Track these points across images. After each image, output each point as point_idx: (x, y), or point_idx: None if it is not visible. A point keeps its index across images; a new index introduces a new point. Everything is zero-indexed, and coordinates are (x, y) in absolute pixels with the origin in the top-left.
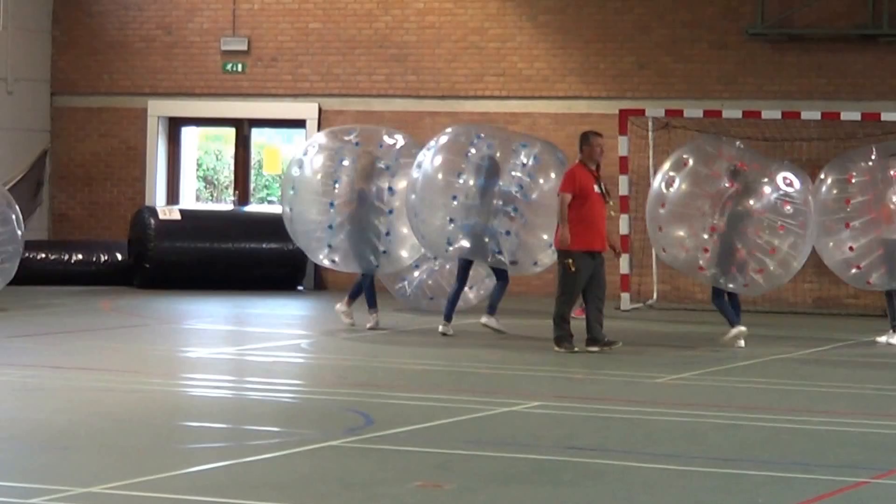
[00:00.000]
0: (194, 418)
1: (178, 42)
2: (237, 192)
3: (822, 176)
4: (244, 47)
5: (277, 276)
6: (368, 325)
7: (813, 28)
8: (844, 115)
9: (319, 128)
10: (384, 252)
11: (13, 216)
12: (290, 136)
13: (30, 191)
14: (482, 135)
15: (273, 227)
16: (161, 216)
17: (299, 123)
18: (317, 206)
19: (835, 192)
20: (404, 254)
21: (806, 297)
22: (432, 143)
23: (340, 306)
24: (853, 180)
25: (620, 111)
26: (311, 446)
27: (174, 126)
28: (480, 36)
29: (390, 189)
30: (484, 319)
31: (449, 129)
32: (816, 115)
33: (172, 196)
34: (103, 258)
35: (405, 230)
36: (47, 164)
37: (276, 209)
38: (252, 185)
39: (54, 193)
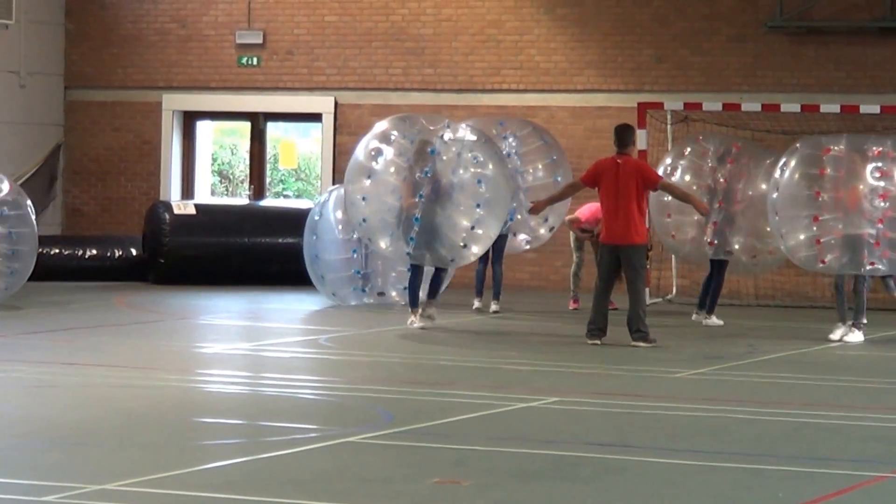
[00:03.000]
0: (210, 414)
1: (193, 35)
2: (252, 186)
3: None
4: (259, 40)
5: (293, 271)
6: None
7: (831, 21)
8: (863, 108)
9: (335, 122)
10: (464, 246)
11: (30, 214)
12: (305, 130)
13: (43, 185)
14: None
15: (289, 221)
16: (176, 211)
17: (315, 117)
18: (390, 198)
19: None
20: (475, 249)
21: (825, 292)
22: None
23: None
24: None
25: (639, 104)
26: (329, 442)
27: (189, 120)
28: (498, 29)
29: (479, 181)
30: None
31: None
32: (835, 108)
33: (187, 191)
34: (118, 253)
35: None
36: (61, 159)
37: (291, 203)
38: (267, 180)
39: (68, 188)
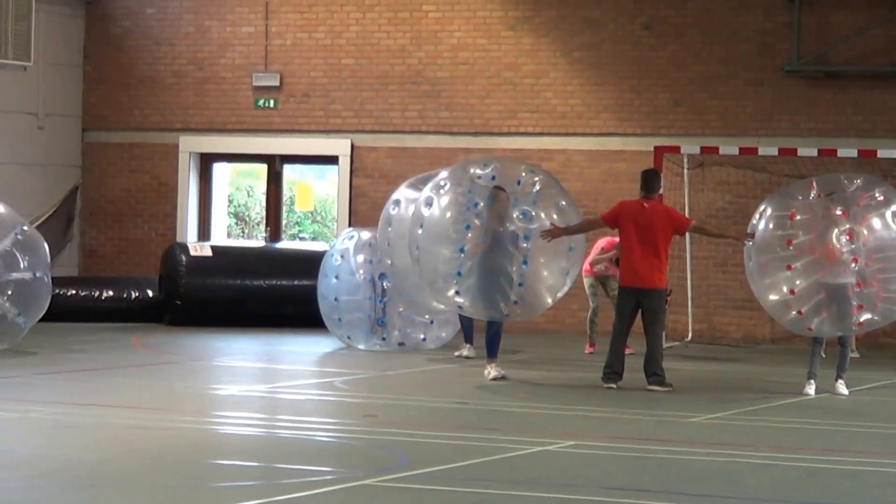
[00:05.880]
0: (225, 457)
1: (210, 77)
2: (269, 228)
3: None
4: (276, 83)
5: (309, 314)
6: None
7: (849, 65)
8: (881, 153)
9: (352, 164)
10: (515, 302)
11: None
12: (322, 172)
13: (60, 227)
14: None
15: (305, 264)
16: (192, 252)
17: (331, 160)
18: (446, 249)
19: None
20: (548, 300)
21: None
22: None
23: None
24: (796, 217)
25: (655, 148)
26: (345, 485)
27: (205, 162)
28: (514, 72)
29: (525, 237)
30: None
31: None
32: (853, 153)
33: (203, 232)
34: (134, 295)
35: (545, 272)
36: (78, 200)
37: (307, 246)
38: (284, 222)
39: (85, 229)
